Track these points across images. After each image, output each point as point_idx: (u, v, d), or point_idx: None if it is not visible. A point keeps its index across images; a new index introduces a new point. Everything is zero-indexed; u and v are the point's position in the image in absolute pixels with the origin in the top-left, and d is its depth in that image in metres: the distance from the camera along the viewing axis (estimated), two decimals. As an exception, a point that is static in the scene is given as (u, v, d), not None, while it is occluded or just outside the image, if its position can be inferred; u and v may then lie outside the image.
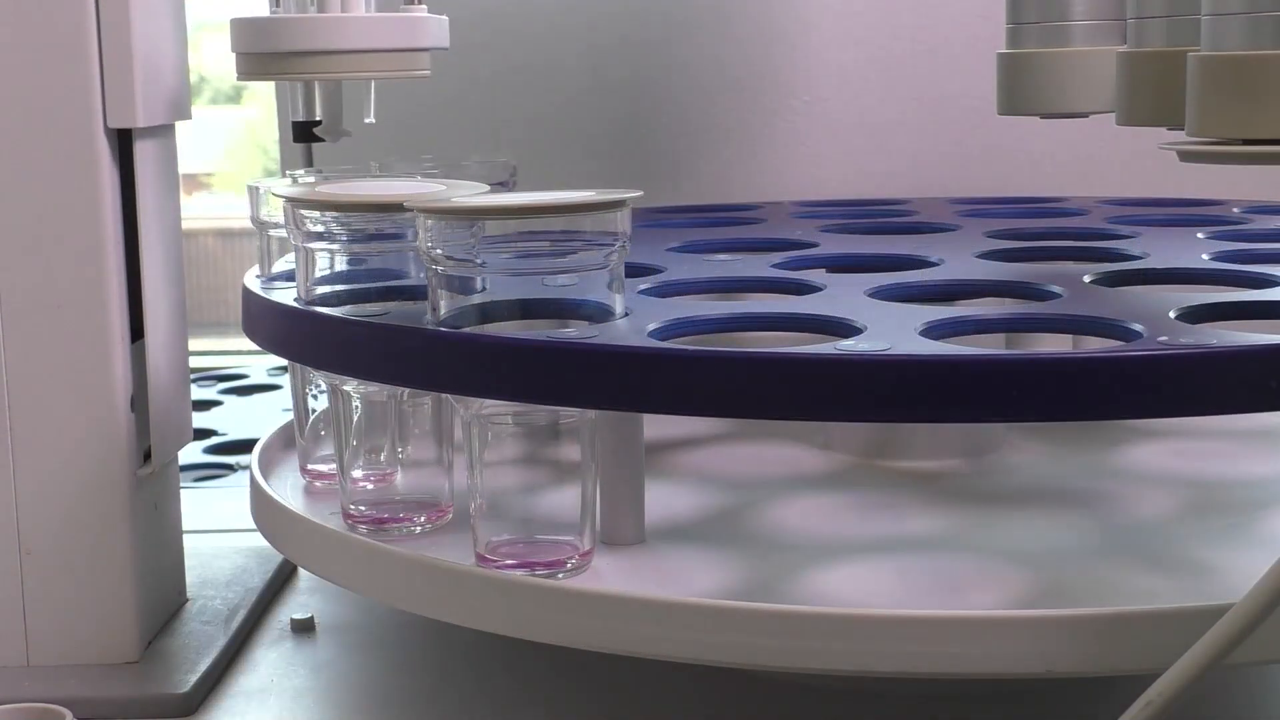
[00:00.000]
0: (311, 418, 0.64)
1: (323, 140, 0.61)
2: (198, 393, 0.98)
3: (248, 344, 0.61)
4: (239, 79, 0.60)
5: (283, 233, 0.60)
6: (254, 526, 0.61)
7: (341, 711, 0.58)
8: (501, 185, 0.69)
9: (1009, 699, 0.56)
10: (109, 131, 0.57)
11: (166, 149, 0.62)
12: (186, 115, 0.63)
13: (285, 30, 0.58)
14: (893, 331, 0.48)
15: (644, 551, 0.54)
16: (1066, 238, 0.71)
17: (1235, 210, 0.79)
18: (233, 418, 1.01)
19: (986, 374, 0.44)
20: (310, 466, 0.64)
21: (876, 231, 0.74)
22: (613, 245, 0.50)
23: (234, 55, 0.60)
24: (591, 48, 0.94)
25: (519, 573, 0.50)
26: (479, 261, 0.50)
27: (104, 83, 0.57)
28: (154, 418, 0.60)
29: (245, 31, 0.59)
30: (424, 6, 0.63)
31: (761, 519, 0.58)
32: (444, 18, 0.63)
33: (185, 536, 0.66)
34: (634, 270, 0.59)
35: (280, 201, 0.57)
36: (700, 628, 0.46)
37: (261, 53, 0.58)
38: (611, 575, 0.51)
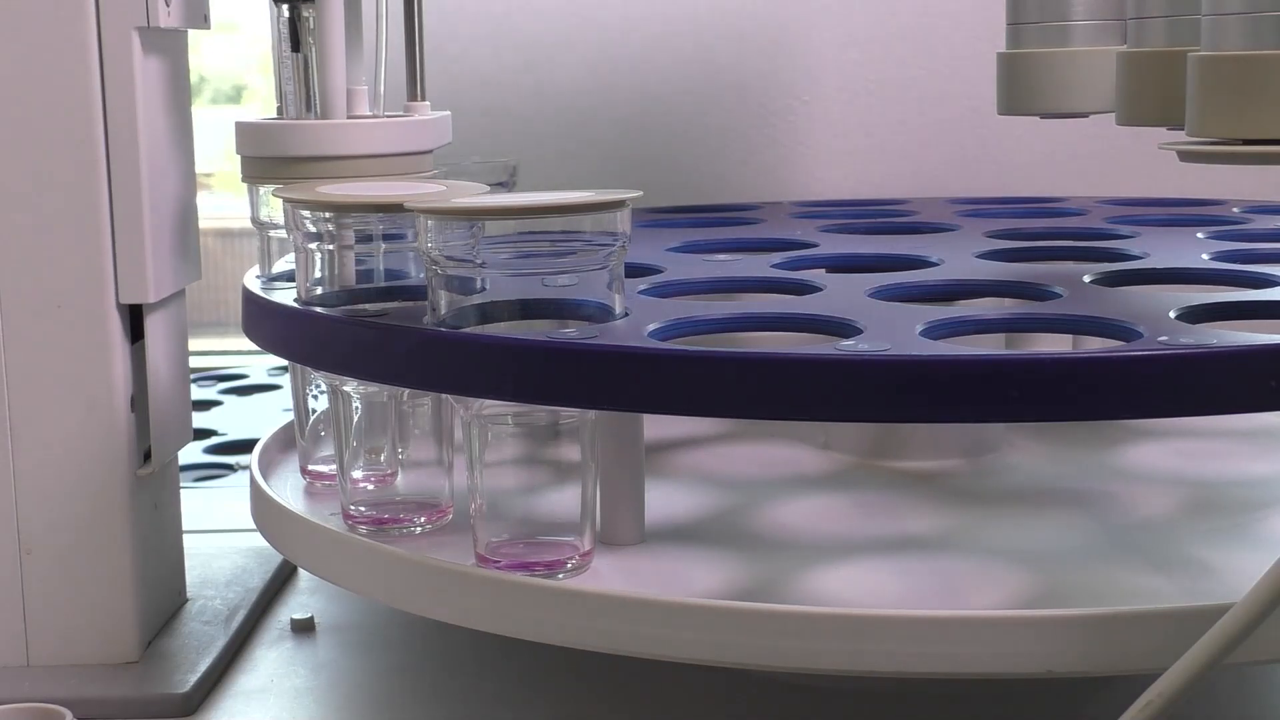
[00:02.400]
0: (311, 418, 0.64)
1: None
2: (198, 393, 0.98)
3: (248, 344, 0.61)
4: (243, 180, 0.61)
5: (283, 233, 0.60)
6: (254, 526, 0.61)
7: (341, 711, 0.58)
8: (501, 185, 0.69)
9: (1009, 699, 0.56)
10: (121, 308, 0.59)
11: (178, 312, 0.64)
12: (197, 277, 0.64)
13: (288, 136, 0.59)
14: (893, 331, 0.48)
15: (644, 551, 0.54)
16: (1066, 238, 0.71)
17: (1235, 210, 0.79)
18: (233, 418, 1.01)
19: (986, 374, 0.44)
20: (310, 467, 0.64)
21: (876, 231, 0.74)
22: (612, 245, 0.50)
23: (239, 158, 0.61)
24: (592, 47, 0.94)
25: (519, 573, 0.50)
26: (479, 262, 0.50)
27: (116, 262, 0.58)
28: (154, 418, 0.60)
29: (248, 136, 0.60)
30: (427, 104, 0.63)
31: (761, 519, 0.58)
32: (447, 114, 0.63)
33: (185, 536, 0.66)
34: (634, 270, 0.59)
35: (280, 201, 0.57)
36: (700, 628, 0.46)
37: (265, 157, 0.59)
38: (611, 575, 0.51)
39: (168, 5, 0.58)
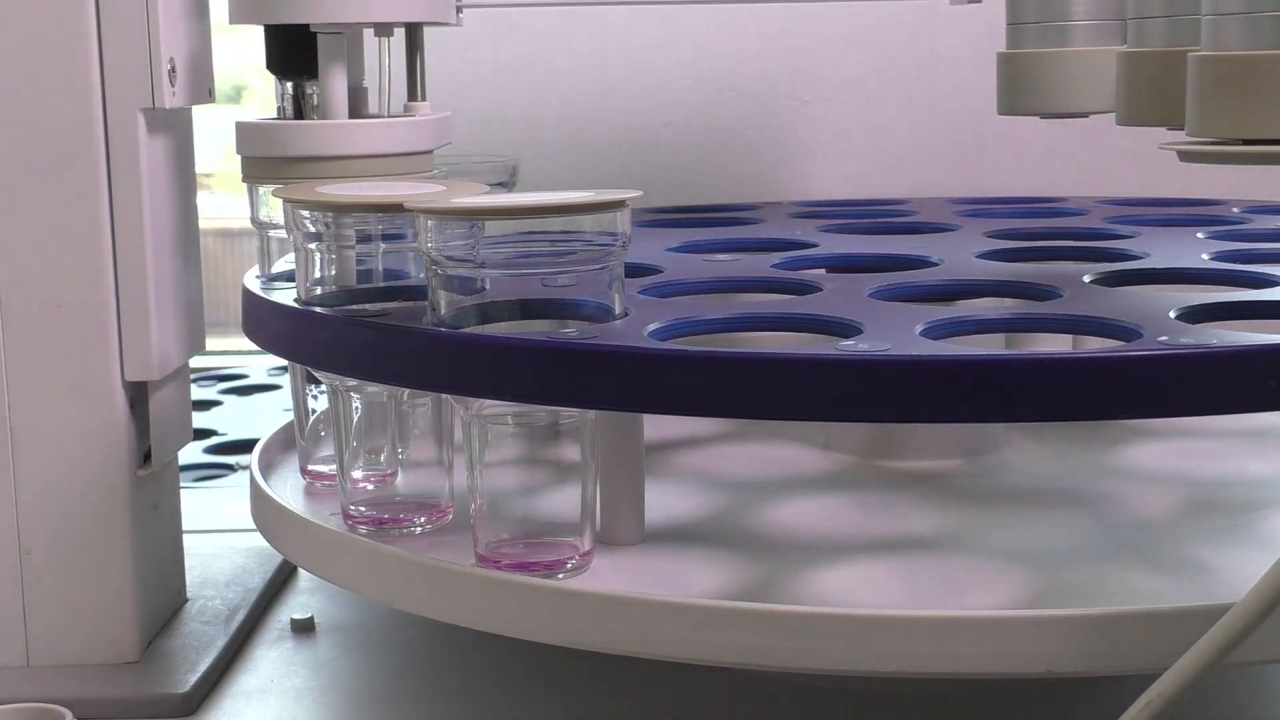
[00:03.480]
0: (311, 418, 0.64)
1: None
2: (198, 393, 0.98)
3: (248, 344, 0.61)
4: (243, 181, 0.61)
5: (282, 233, 0.60)
6: (254, 526, 0.61)
7: (341, 711, 0.58)
8: (501, 185, 0.69)
9: (1009, 699, 0.56)
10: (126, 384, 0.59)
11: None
12: (201, 349, 0.65)
13: (288, 136, 0.59)
14: (893, 331, 0.48)
15: (644, 551, 0.54)
16: (1066, 238, 0.71)
17: (1235, 210, 0.79)
18: (233, 418, 1.01)
19: (986, 374, 0.44)
20: (310, 467, 0.64)
21: (876, 231, 0.74)
22: (612, 245, 0.50)
23: (239, 158, 0.61)
24: (592, 47, 0.95)
25: (519, 573, 0.50)
26: (479, 262, 0.50)
27: (121, 343, 0.58)
28: (154, 418, 0.60)
29: (248, 136, 0.60)
30: (427, 104, 0.63)
31: (761, 519, 0.58)
32: (447, 113, 0.64)
33: (185, 536, 0.66)
34: (634, 270, 0.59)
35: (280, 201, 0.57)
36: (700, 628, 0.46)
37: (265, 157, 0.59)
38: (611, 575, 0.51)
39: (173, 86, 0.58)
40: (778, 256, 0.64)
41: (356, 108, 0.62)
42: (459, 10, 0.69)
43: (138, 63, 0.57)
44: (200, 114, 0.65)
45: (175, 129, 0.61)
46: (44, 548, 0.59)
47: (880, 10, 0.93)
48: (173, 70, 0.58)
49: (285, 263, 0.63)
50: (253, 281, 0.62)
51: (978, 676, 0.45)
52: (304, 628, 0.64)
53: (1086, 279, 0.58)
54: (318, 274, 0.56)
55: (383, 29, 0.61)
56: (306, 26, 0.59)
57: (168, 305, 0.60)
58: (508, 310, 0.51)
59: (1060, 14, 0.61)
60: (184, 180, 0.62)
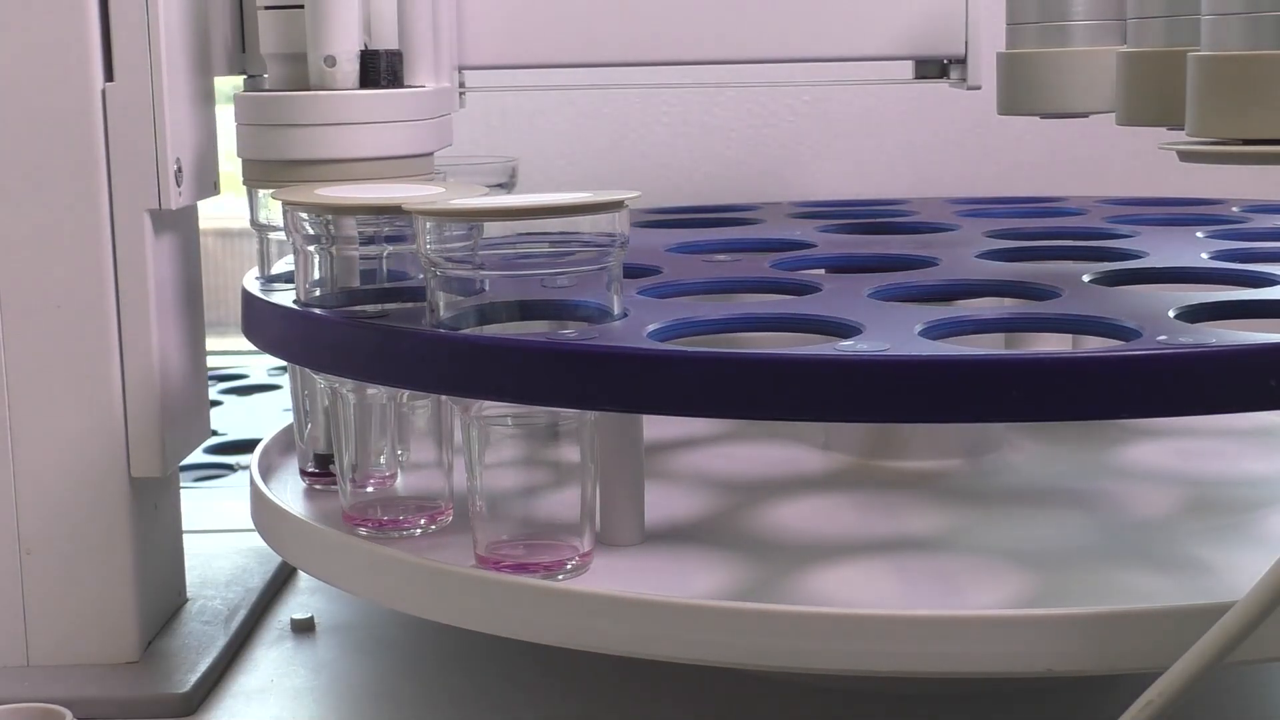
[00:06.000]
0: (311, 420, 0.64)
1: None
2: (198, 393, 0.98)
3: (248, 344, 0.61)
4: (244, 184, 0.61)
5: (282, 235, 0.60)
6: (254, 526, 0.61)
7: (341, 711, 0.58)
8: (501, 185, 0.69)
9: (1009, 699, 0.56)
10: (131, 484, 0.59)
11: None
12: (206, 437, 0.65)
13: (288, 138, 0.59)
14: (892, 331, 0.48)
15: (644, 552, 0.54)
16: (1066, 238, 0.71)
17: (1235, 210, 0.79)
18: (233, 418, 1.01)
19: (986, 374, 0.44)
20: (310, 469, 0.64)
21: (876, 231, 0.74)
22: (611, 246, 0.50)
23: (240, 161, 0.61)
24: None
25: (519, 574, 0.50)
26: (477, 263, 0.50)
27: (129, 441, 0.59)
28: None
29: (249, 139, 0.60)
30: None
31: (761, 519, 0.58)
32: (448, 115, 0.63)
33: (185, 536, 0.66)
34: (632, 271, 0.59)
35: (279, 204, 0.57)
36: (700, 628, 0.46)
37: (265, 160, 0.59)
38: (611, 576, 0.51)
39: (179, 185, 0.58)
40: (777, 256, 0.64)
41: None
42: (462, 94, 0.69)
43: (144, 165, 0.57)
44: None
45: (181, 226, 0.61)
46: (44, 548, 0.59)
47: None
48: (179, 171, 0.58)
49: (285, 264, 0.63)
50: (252, 283, 0.62)
51: (978, 676, 0.45)
52: (304, 628, 0.64)
53: (1086, 279, 0.58)
54: (317, 275, 0.56)
55: None
56: None
57: (175, 401, 0.60)
58: (507, 311, 0.51)
59: (1060, 14, 0.61)
60: (189, 275, 0.62)
